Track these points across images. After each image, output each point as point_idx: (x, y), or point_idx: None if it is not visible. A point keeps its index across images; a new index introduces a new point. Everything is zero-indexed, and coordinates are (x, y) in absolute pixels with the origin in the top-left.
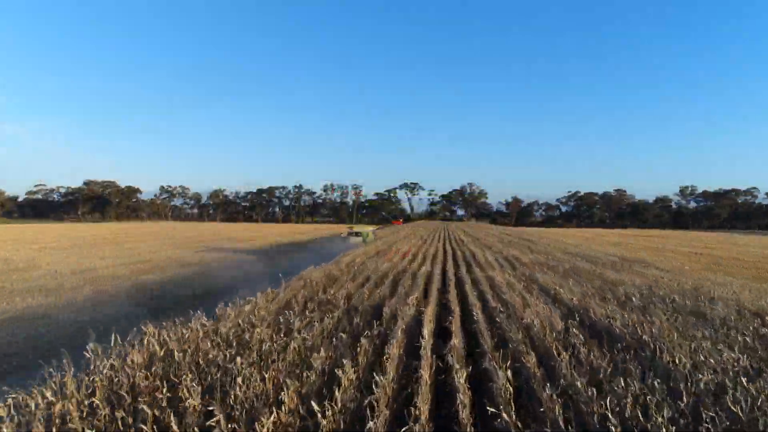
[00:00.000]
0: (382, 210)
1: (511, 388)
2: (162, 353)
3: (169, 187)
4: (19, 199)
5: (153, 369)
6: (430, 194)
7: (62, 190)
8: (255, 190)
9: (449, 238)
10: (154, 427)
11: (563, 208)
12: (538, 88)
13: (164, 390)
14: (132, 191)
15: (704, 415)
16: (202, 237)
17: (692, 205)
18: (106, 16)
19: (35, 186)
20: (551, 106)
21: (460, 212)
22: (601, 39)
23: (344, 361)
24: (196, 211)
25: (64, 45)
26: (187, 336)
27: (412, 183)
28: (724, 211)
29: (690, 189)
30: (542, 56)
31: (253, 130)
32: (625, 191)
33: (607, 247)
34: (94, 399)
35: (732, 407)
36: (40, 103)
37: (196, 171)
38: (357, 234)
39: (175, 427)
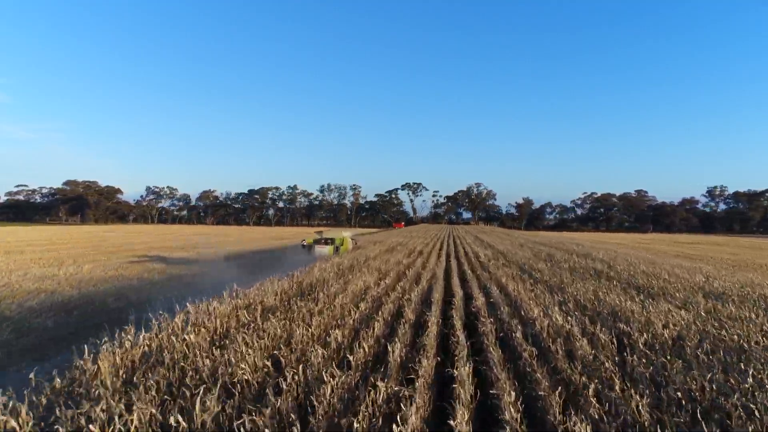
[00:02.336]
0: (383, 212)
1: None
2: None
3: (156, 187)
4: (0, 201)
5: None
6: (434, 195)
7: (44, 191)
8: (246, 191)
9: (457, 250)
10: None
11: (578, 211)
12: (548, 84)
13: None
14: (112, 191)
15: None
16: (146, 244)
17: (722, 207)
18: (93, 14)
19: (16, 187)
20: (561, 102)
21: (467, 215)
22: (621, 32)
23: None
24: (185, 213)
25: (50, 44)
26: None
27: (414, 183)
28: (757, 214)
29: (719, 190)
30: (552, 52)
31: (249, 130)
32: (646, 192)
33: (692, 264)
34: None
35: None
36: (30, 103)
37: (190, 173)
38: (327, 242)
39: None
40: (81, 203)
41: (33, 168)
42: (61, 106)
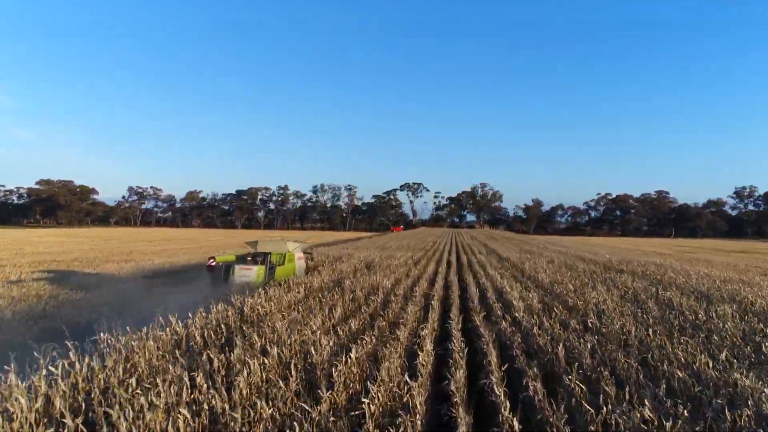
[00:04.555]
0: (380, 214)
1: None
2: None
3: (139, 188)
4: None
5: None
6: (435, 196)
7: (22, 191)
8: (234, 192)
9: (464, 282)
10: None
11: (592, 213)
12: (554, 82)
13: None
14: (86, 191)
15: None
16: (67, 254)
17: (750, 209)
18: (80, 10)
19: None
20: (569, 101)
21: (470, 217)
22: (629, 34)
23: None
24: (169, 215)
25: (45, 44)
26: None
27: (414, 183)
28: None
29: (748, 190)
30: (557, 51)
31: (243, 129)
32: (667, 193)
33: None
34: None
35: None
36: (28, 103)
37: (179, 173)
38: (256, 259)
39: None
40: (52, 205)
41: (33, 169)
42: (57, 106)
